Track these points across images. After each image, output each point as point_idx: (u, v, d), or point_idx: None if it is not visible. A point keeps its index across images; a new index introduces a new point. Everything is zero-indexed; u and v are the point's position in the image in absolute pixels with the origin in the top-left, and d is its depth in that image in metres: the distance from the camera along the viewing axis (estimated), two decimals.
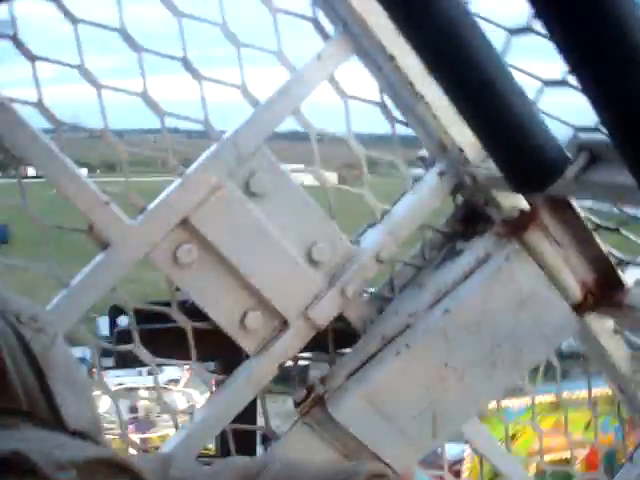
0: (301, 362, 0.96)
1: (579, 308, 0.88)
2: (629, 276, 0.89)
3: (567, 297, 0.86)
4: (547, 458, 1.08)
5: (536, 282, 0.85)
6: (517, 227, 0.84)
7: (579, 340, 1.02)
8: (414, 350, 0.83)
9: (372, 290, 0.93)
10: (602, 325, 0.97)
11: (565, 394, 1.16)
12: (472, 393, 0.86)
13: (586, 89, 0.51)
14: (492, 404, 1.01)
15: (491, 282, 0.83)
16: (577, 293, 0.87)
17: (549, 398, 1.07)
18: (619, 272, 0.87)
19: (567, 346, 1.13)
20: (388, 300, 0.91)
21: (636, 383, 1.05)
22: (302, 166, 0.94)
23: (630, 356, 1.03)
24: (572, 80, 0.65)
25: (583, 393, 1.16)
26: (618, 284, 0.87)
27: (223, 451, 1.18)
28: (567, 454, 1.13)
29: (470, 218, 0.92)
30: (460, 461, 2.89)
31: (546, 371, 1.07)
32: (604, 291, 0.88)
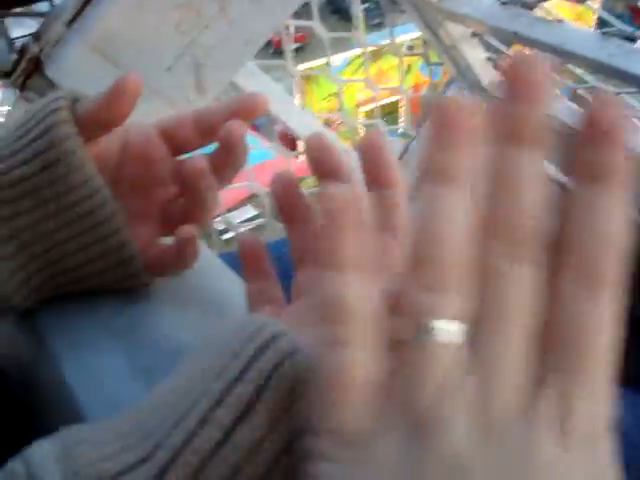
0: None
1: None
2: None
3: None
4: (372, 106, 1.08)
5: None
6: None
7: None
8: None
9: None
10: None
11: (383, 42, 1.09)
12: (239, 30, 0.64)
13: None
14: (316, 63, 0.98)
15: None
16: None
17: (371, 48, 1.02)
18: None
19: None
20: None
21: (442, 12, 0.94)
22: None
23: None
24: None
25: (399, 39, 1.10)
26: None
27: None
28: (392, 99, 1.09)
29: None
30: None
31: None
32: None
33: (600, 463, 0.22)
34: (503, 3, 0.86)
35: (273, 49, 1.83)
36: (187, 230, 0.41)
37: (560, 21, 0.82)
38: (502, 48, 1.02)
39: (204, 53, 0.65)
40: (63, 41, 0.61)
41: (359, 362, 0.22)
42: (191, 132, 0.43)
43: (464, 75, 1.10)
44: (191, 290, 0.45)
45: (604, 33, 0.77)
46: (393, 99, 1.19)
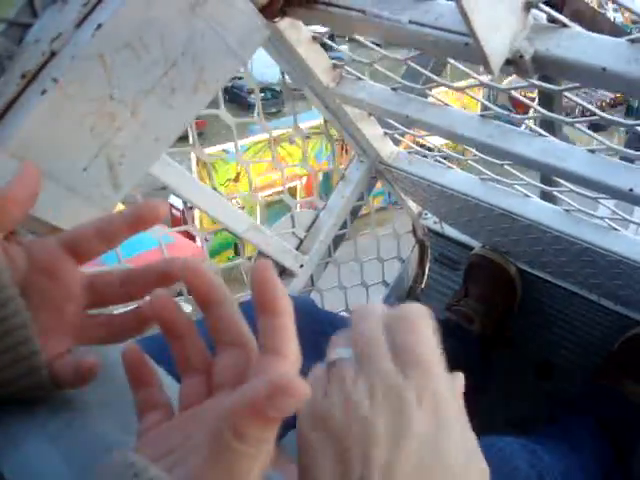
0: None
1: (267, 10, 0.73)
2: None
3: None
4: (271, 191, 1.13)
5: None
6: None
7: (273, 54, 0.91)
8: (65, 84, 0.63)
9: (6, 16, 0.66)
10: (299, 35, 0.87)
11: (278, 132, 1.16)
12: (151, 129, 0.69)
13: None
14: (214, 149, 1.01)
15: None
16: None
17: (266, 136, 1.06)
18: None
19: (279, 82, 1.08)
20: (28, 27, 0.67)
21: (340, 97, 0.99)
22: None
23: (331, 67, 0.96)
24: None
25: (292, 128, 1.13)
26: None
27: None
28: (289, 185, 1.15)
29: None
30: None
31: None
32: None
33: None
34: (394, 89, 0.95)
35: None
36: (89, 360, 0.43)
37: (447, 105, 0.91)
38: (397, 125, 1.10)
39: (118, 153, 0.69)
40: None
41: None
42: (93, 242, 0.44)
43: (364, 150, 1.18)
44: (123, 387, 0.45)
45: (483, 116, 0.86)
46: (291, 184, 1.25)
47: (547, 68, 0.60)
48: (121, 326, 0.46)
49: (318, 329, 0.90)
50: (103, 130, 0.68)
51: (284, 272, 1.17)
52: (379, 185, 1.32)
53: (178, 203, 2.60)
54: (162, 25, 0.66)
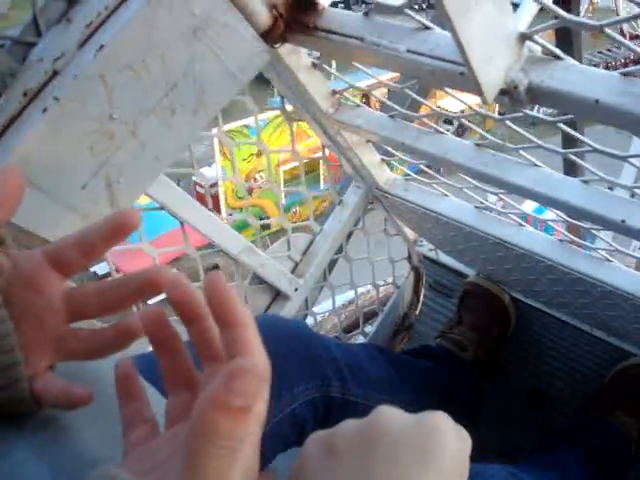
0: None
1: (268, 35, 0.74)
2: None
3: (254, 24, 0.72)
4: (293, 165, 1.11)
5: (213, 4, 0.68)
6: None
7: (274, 79, 0.92)
8: (66, 103, 0.64)
9: (12, 35, 0.67)
10: (299, 61, 0.88)
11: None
12: (150, 149, 0.71)
13: None
14: (234, 125, 0.99)
15: (153, 5, 0.64)
16: (265, 18, 0.72)
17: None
18: None
19: None
20: (32, 45, 0.67)
21: (338, 123, 1.00)
22: None
23: (330, 93, 0.97)
24: None
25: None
26: (311, 5, 0.73)
27: None
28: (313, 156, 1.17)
29: None
30: None
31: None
32: (296, 14, 0.74)
33: None
34: (391, 116, 0.96)
35: None
36: (84, 391, 0.43)
37: (442, 133, 0.92)
38: (394, 152, 1.11)
39: (116, 171, 0.70)
40: None
41: None
42: (74, 254, 0.44)
43: (362, 176, 1.19)
44: (111, 402, 0.45)
45: (479, 145, 0.87)
46: (315, 156, 1.27)
47: (541, 99, 0.61)
48: (102, 341, 0.45)
49: (311, 353, 0.91)
50: (103, 149, 0.69)
51: (279, 295, 1.17)
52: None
53: (205, 180, 2.57)
54: (164, 48, 0.67)
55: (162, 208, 0.88)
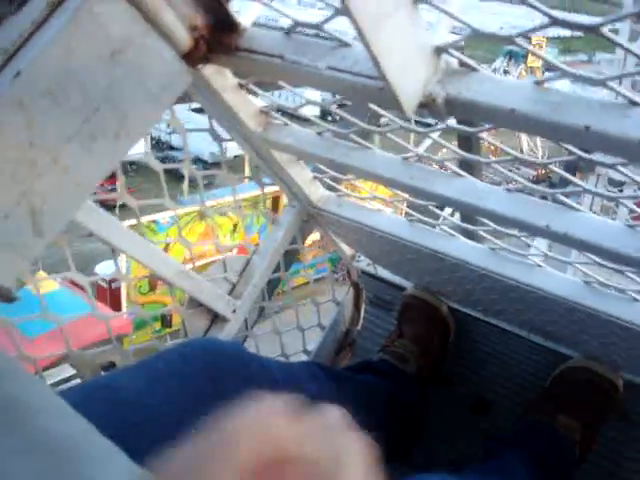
0: None
1: (190, 57, 0.73)
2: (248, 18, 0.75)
3: (175, 45, 0.71)
4: (199, 263, 1.15)
5: (130, 26, 0.67)
6: None
7: (200, 100, 0.92)
8: None
9: None
10: (225, 82, 0.88)
11: (210, 203, 1.16)
12: (73, 175, 0.69)
13: None
14: (142, 219, 1.02)
15: (70, 30, 0.63)
16: (186, 39, 0.71)
17: (197, 207, 1.07)
18: (233, 12, 0.73)
19: (211, 155, 1.11)
20: None
21: (267, 142, 1.01)
22: None
23: (258, 112, 0.98)
24: None
25: (228, 199, 1.20)
26: (233, 25, 0.73)
27: None
28: (217, 257, 1.20)
29: None
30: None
31: (191, 181, 1.05)
32: (218, 34, 0.73)
33: None
34: (319, 134, 0.97)
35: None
36: None
37: (370, 148, 0.93)
38: (327, 169, 1.12)
39: (39, 199, 0.68)
40: None
41: None
42: None
43: (294, 194, 1.20)
44: (42, 434, 0.43)
45: (406, 158, 0.88)
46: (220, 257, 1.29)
47: (459, 110, 0.63)
48: None
49: (249, 374, 0.90)
50: (24, 177, 0.67)
51: (216, 317, 1.16)
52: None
53: (106, 274, 2.56)
54: (82, 72, 0.66)
55: (91, 235, 0.86)
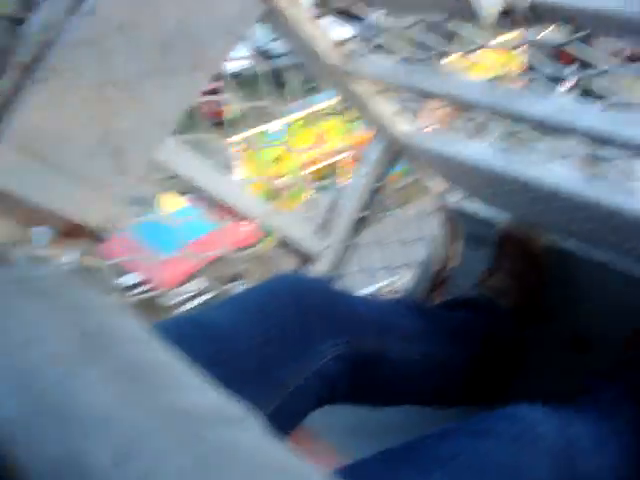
0: None
1: None
2: None
3: None
4: (316, 167, 1.15)
5: None
6: None
7: (279, 34, 0.90)
8: (63, 72, 0.63)
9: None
10: (299, 13, 0.86)
11: (316, 107, 1.18)
12: (151, 111, 0.69)
13: None
14: (252, 132, 1.02)
15: None
16: None
17: (303, 114, 1.07)
18: None
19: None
20: (25, 21, 0.65)
21: (347, 74, 0.99)
22: None
23: (336, 44, 0.96)
24: None
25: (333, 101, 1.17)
26: None
27: None
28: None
29: None
30: None
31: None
32: None
33: None
34: (403, 61, 0.93)
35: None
36: None
37: (452, 72, 0.89)
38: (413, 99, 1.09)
39: (121, 138, 0.69)
40: None
41: None
42: None
43: (380, 128, 1.17)
44: (122, 361, 0.45)
45: (492, 80, 0.84)
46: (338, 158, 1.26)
47: (545, 17, 0.58)
48: None
49: (335, 309, 0.89)
50: (104, 116, 0.68)
51: (306, 257, 1.16)
52: None
53: None
54: (155, 6, 0.65)
55: (176, 176, 0.87)
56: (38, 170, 0.66)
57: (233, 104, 0.93)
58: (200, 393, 0.42)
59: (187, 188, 0.92)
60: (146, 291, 1.07)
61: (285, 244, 1.12)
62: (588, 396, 1.05)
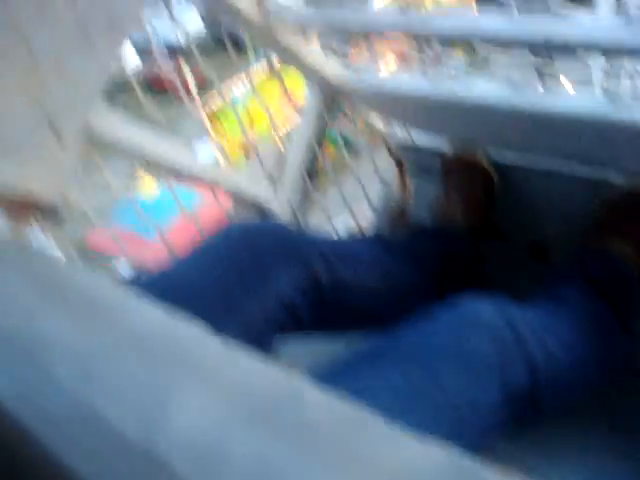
0: None
1: None
2: None
3: None
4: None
5: None
6: None
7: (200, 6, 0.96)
8: None
9: None
10: None
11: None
12: (79, 81, 0.74)
13: None
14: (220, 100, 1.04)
15: None
16: None
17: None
18: None
19: None
20: None
21: (270, 28, 1.02)
22: None
23: (255, 2, 0.99)
24: None
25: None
26: None
27: None
28: None
29: None
30: None
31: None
32: None
33: None
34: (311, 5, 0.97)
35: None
36: None
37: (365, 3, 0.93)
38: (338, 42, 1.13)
39: (54, 111, 0.73)
40: None
41: None
42: None
43: (312, 77, 1.21)
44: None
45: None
46: None
47: None
48: None
49: (292, 245, 0.94)
50: (36, 92, 0.72)
51: (261, 208, 1.21)
52: None
53: None
54: None
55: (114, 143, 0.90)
56: None
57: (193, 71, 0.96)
58: (151, 314, 0.46)
59: (138, 159, 0.95)
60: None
61: (239, 198, 1.16)
62: (543, 292, 1.10)
